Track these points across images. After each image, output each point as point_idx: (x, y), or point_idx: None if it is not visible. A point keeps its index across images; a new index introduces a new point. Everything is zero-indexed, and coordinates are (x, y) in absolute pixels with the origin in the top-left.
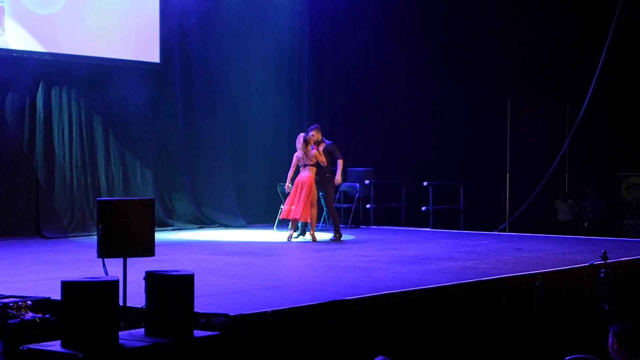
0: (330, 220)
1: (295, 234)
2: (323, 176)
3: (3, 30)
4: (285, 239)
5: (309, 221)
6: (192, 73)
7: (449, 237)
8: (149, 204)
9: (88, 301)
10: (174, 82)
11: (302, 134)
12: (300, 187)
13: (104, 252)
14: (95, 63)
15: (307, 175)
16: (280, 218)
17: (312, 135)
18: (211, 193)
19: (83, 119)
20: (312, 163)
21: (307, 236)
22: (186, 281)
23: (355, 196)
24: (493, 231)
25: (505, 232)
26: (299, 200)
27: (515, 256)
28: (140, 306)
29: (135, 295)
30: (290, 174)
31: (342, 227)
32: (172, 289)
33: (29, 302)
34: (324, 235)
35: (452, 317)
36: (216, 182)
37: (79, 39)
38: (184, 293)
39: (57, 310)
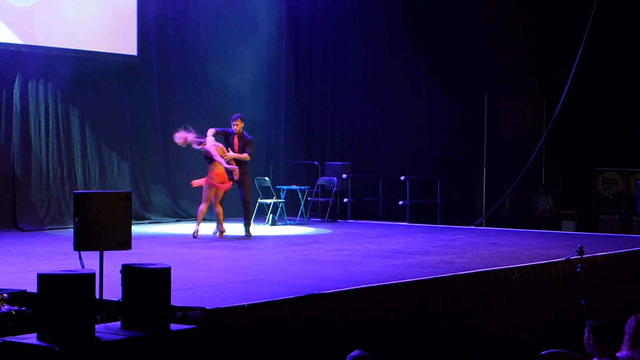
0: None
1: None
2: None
3: None
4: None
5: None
6: (170, 66)
7: (425, 231)
8: (126, 197)
9: (64, 294)
10: (151, 74)
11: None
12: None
13: (80, 245)
14: (73, 56)
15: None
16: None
17: (236, 124)
18: (188, 186)
19: (60, 111)
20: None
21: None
22: (163, 274)
23: (332, 190)
24: (470, 225)
25: (482, 226)
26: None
27: (491, 250)
28: (116, 299)
29: (112, 289)
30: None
31: (319, 221)
32: (149, 282)
33: (5, 294)
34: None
35: (428, 311)
36: (193, 175)
37: (56, 32)
38: (161, 286)
39: (33, 303)
